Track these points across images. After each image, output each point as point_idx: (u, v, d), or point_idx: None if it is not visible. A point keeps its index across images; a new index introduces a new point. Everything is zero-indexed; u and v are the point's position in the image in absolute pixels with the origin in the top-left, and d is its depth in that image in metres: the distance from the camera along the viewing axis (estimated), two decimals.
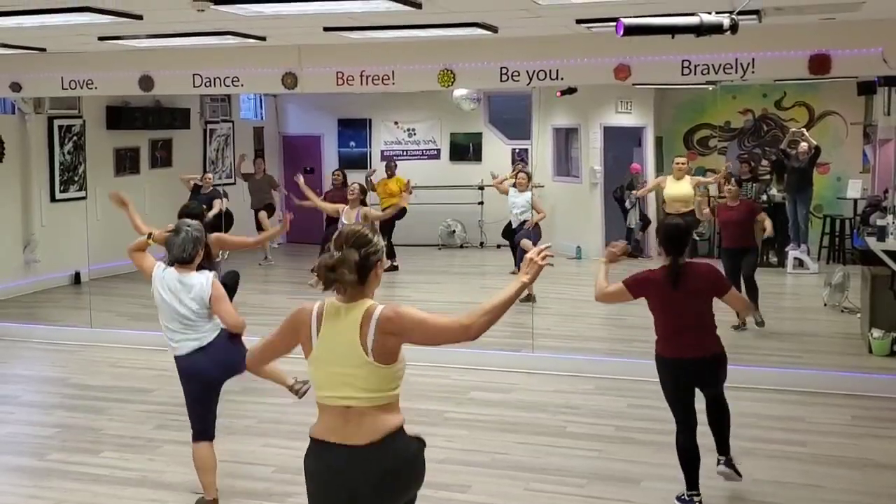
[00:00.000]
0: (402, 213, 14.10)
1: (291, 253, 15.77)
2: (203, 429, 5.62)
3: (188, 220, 5.62)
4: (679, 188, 11.73)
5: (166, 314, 5.53)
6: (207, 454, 5.61)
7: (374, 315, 3.46)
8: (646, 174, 15.09)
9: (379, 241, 3.58)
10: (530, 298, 10.42)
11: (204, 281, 5.49)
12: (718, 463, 5.81)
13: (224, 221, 12.58)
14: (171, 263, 5.55)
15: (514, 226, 12.27)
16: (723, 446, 5.82)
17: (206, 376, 5.54)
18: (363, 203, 10.52)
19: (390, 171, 14.61)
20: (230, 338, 5.58)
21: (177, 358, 5.60)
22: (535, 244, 11.68)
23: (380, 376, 3.46)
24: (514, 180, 12.38)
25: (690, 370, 5.54)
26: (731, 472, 5.79)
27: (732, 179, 10.58)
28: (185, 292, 5.46)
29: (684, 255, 5.59)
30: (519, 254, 11.84)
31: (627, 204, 14.66)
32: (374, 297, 3.59)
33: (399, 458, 3.52)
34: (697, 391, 5.70)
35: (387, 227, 13.95)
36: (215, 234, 7.68)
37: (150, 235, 5.70)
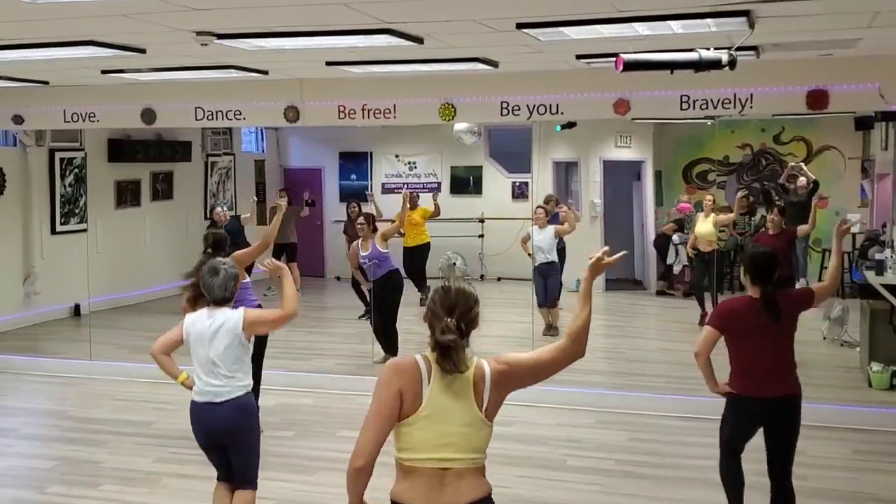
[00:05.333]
0: (426, 247, 14.04)
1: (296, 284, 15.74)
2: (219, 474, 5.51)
3: (222, 259, 5.48)
4: (707, 226, 12.02)
5: (196, 359, 5.33)
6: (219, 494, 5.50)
7: (485, 372, 3.39)
8: (645, 208, 15.16)
9: (476, 291, 3.52)
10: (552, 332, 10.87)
11: (237, 313, 5.30)
12: None
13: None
14: (212, 304, 5.34)
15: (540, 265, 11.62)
16: None
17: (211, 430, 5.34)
18: (374, 231, 10.29)
19: (412, 203, 14.45)
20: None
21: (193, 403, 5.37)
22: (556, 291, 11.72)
23: (483, 435, 3.40)
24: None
25: (769, 410, 5.25)
26: None
27: (776, 209, 10.59)
28: (215, 328, 5.24)
29: (772, 283, 5.34)
30: (540, 288, 11.64)
31: (676, 238, 14.44)
32: None
33: None
34: None
35: (419, 261, 13.85)
36: (235, 254, 7.53)
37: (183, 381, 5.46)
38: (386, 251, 10.10)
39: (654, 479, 6.79)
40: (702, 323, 12.06)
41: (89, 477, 6.98)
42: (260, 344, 7.61)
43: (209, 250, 7.64)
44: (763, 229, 10.68)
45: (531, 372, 3.50)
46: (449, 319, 3.36)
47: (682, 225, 14.35)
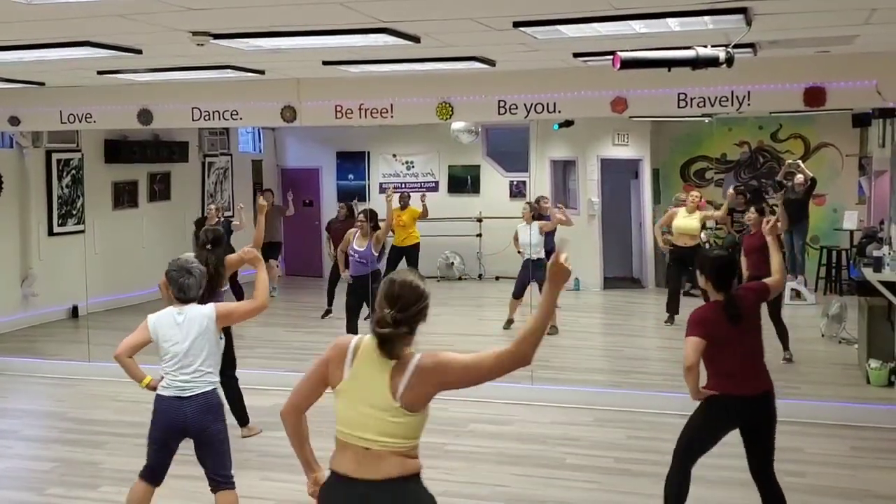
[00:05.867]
0: (416, 247, 14.08)
1: (290, 285, 15.76)
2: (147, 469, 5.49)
3: (189, 259, 5.57)
4: (690, 221, 11.94)
5: (165, 354, 5.37)
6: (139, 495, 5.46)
7: (410, 363, 3.40)
8: (643, 207, 15.14)
9: (429, 290, 3.54)
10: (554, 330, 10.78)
11: (207, 307, 5.39)
12: None
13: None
14: (185, 303, 5.41)
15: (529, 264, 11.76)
16: None
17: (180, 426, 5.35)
18: (375, 229, 10.55)
19: (403, 203, 14.50)
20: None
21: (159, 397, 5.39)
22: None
23: (403, 424, 3.40)
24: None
25: (748, 409, 5.29)
26: None
27: (752, 207, 10.55)
28: (187, 323, 5.32)
29: (733, 286, 5.36)
30: (521, 283, 11.88)
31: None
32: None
33: (413, 501, 3.46)
34: None
35: (411, 261, 13.92)
36: (230, 257, 7.58)
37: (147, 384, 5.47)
38: (376, 255, 10.31)
39: (653, 476, 6.76)
40: (669, 322, 12.06)
41: (88, 478, 6.97)
42: (227, 344, 7.62)
43: (209, 246, 7.62)
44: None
45: (465, 373, 3.44)
46: (387, 311, 3.41)
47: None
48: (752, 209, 10.45)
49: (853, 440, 7.63)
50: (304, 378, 3.64)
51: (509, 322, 11.97)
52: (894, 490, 6.54)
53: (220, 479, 5.45)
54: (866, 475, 6.85)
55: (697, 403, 5.46)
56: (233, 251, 9.01)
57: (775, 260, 5.74)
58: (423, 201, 14.05)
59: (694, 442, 5.43)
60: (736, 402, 5.28)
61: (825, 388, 9.13)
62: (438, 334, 11.84)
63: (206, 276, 5.52)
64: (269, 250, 14.50)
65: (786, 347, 10.00)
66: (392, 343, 3.40)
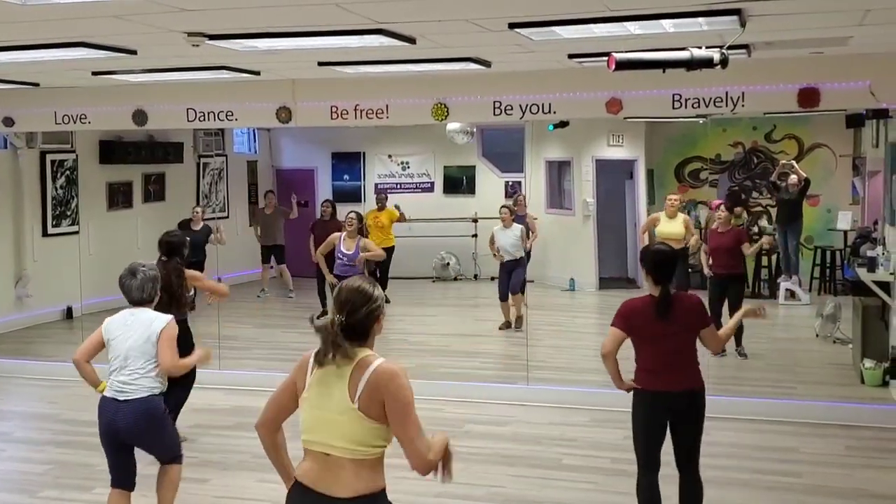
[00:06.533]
0: (390, 250, 14.08)
1: (286, 286, 15.73)
2: (113, 477, 5.52)
3: (142, 262, 5.61)
4: (672, 227, 11.31)
5: (111, 354, 5.41)
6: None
7: (369, 367, 3.39)
8: (637, 207, 15.16)
9: (379, 294, 3.54)
10: (517, 324, 10.73)
11: (161, 318, 5.42)
12: None
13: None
14: (133, 304, 5.49)
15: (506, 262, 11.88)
16: None
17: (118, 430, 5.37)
18: (361, 232, 10.67)
19: (381, 204, 14.56)
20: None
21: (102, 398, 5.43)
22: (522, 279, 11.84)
23: (363, 429, 3.37)
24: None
25: (674, 404, 5.31)
26: None
27: (722, 206, 10.62)
28: (135, 324, 5.37)
29: (672, 283, 5.40)
30: (504, 283, 11.91)
31: None
32: (374, 343, 3.55)
33: None
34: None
35: (384, 264, 13.93)
36: (190, 272, 7.69)
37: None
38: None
39: None
40: None
41: (83, 480, 6.95)
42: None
43: (164, 258, 7.67)
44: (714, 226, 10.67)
45: (392, 417, 3.37)
46: (336, 316, 3.46)
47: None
48: (723, 207, 10.53)
49: (848, 440, 7.64)
50: (275, 393, 3.65)
51: (506, 324, 11.92)
52: (889, 489, 6.56)
53: (165, 460, 5.58)
54: (861, 475, 6.86)
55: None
56: (203, 255, 9.01)
57: (730, 325, 5.73)
58: (399, 210, 14.26)
59: (643, 443, 5.42)
60: (658, 397, 5.31)
61: (820, 388, 9.15)
62: (435, 335, 11.85)
63: (153, 280, 5.52)
64: (273, 253, 14.59)
65: (738, 343, 10.22)
66: (332, 346, 3.42)
